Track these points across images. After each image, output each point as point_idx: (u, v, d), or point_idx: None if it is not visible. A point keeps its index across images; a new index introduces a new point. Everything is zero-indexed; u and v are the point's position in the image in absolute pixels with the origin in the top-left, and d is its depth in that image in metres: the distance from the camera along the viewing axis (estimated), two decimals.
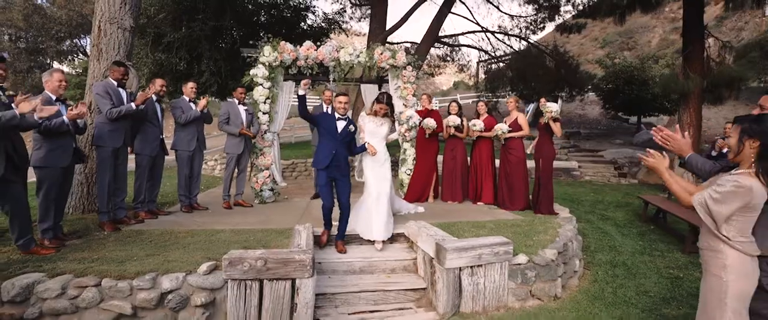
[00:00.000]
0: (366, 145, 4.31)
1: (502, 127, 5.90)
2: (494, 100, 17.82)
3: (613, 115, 20.64)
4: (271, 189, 6.32)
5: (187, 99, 5.39)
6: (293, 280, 3.14)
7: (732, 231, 2.09)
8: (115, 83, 4.51)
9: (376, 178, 4.46)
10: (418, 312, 3.56)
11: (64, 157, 3.80)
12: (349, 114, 4.25)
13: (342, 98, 4.10)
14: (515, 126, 5.97)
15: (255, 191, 6.22)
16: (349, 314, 3.47)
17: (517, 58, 15.74)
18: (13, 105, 3.26)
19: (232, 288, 3.08)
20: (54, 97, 3.77)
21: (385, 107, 4.58)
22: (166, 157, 5.31)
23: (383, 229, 4.27)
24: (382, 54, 6.52)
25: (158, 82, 5.01)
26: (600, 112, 21.59)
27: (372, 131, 4.56)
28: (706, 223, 2.14)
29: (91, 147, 4.71)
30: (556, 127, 5.58)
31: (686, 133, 2.46)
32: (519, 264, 3.70)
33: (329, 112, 7.50)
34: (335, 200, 4.19)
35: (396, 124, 5.93)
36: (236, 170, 5.90)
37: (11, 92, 3.56)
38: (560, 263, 4.01)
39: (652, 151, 2.33)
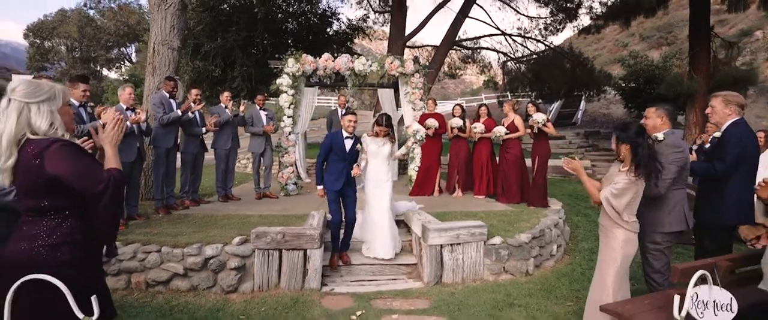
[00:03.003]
0: (354, 167, 4.39)
1: (499, 130, 6.55)
2: (515, 100, 18.26)
3: (638, 114, 20.53)
4: (295, 184, 7.22)
5: (223, 105, 6.35)
6: (305, 251, 3.99)
7: (626, 214, 2.76)
8: (167, 95, 5.51)
9: (375, 199, 4.61)
10: (408, 282, 4.33)
11: (130, 154, 4.80)
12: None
13: (351, 117, 4.31)
14: (512, 127, 6.59)
15: (281, 185, 7.14)
16: (350, 281, 4.28)
17: (535, 60, 16.11)
18: (95, 115, 4.27)
19: (258, 255, 3.97)
20: (125, 107, 4.79)
21: (386, 129, 4.62)
22: (205, 156, 6.28)
23: (389, 248, 4.48)
24: (392, 63, 7.31)
25: (193, 92, 5.89)
26: (624, 111, 21.48)
27: (374, 152, 4.65)
28: (609, 213, 2.80)
29: (149, 147, 5.73)
30: (550, 129, 6.20)
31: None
32: (494, 244, 4.40)
33: (341, 116, 8.40)
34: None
35: (406, 139, 6.43)
36: (263, 167, 6.83)
37: (92, 104, 4.60)
38: (535, 246, 4.67)
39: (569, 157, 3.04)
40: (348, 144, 4.36)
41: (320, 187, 4.44)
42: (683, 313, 1.47)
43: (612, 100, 22.54)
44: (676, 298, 1.51)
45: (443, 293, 3.99)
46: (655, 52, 27.99)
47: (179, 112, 5.44)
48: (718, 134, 3.27)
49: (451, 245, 4.22)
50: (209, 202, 6.27)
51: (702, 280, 2.35)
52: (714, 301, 2.16)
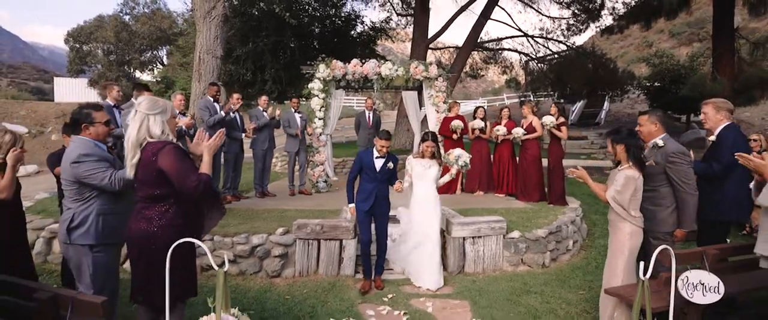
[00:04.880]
0: (396, 183, 4.21)
1: (517, 131, 6.87)
2: (536, 100, 18.43)
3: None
4: (325, 181, 7.71)
5: (261, 108, 6.89)
6: (341, 240, 4.46)
7: (632, 209, 3.09)
8: (212, 99, 6.08)
9: (422, 223, 4.36)
10: None
11: None
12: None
13: (384, 143, 4.12)
14: (530, 129, 6.89)
15: (312, 182, 7.64)
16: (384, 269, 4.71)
17: (557, 60, 16.20)
18: None
19: (299, 244, 4.46)
20: (177, 111, 5.36)
21: (432, 144, 4.36)
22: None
23: (437, 278, 4.24)
24: (416, 68, 7.70)
25: (235, 97, 6.48)
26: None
27: (420, 174, 4.40)
28: (618, 212, 3.14)
29: None
30: (563, 132, 6.49)
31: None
32: (513, 237, 4.77)
33: (368, 118, 8.81)
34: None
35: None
36: (298, 165, 7.36)
37: None
38: (551, 240, 5.01)
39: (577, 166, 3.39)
40: (378, 163, 4.15)
41: (352, 205, 4.27)
42: (647, 276, 1.81)
43: (637, 99, 22.28)
44: (642, 264, 1.85)
45: (465, 281, 4.39)
46: (686, 49, 27.33)
47: (223, 113, 6.00)
48: (713, 138, 3.53)
49: (473, 238, 4.62)
50: (248, 198, 6.82)
51: (696, 266, 2.68)
52: (703, 284, 2.50)
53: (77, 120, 2.53)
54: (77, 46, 31.33)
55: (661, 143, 3.26)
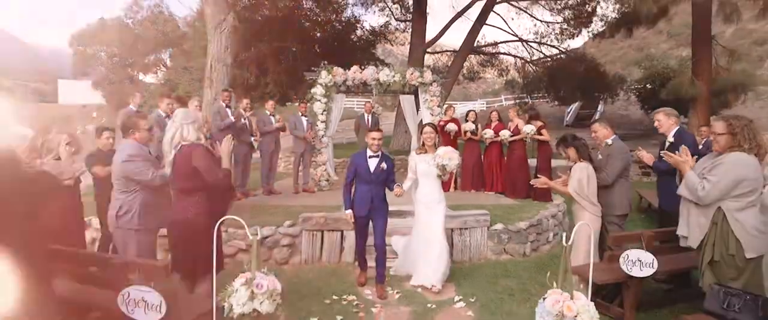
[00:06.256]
0: (394, 187, 4.08)
1: (504, 133, 7.42)
2: (531, 102, 19.04)
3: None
4: (327, 180, 8.24)
5: (268, 113, 7.42)
6: (342, 232, 4.99)
7: (591, 197, 3.64)
8: (224, 104, 6.62)
9: (425, 224, 4.29)
10: None
11: None
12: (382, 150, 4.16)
13: (375, 134, 4.03)
14: (516, 131, 7.44)
15: (314, 181, 8.17)
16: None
17: (550, 64, 16.77)
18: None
19: (305, 235, 5.00)
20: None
21: (431, 131, 4.33)
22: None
23: (439, 276, 4.16)
24: (412, 74, 8.23)
25: (244, 102, 7.02)
26: (641, 112, 21.77)
27: (424, 171, 4.27)
28: (580, 203, 3.69)
29: None
30: (545, 135, 7.05)
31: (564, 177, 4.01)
32: (496, 229, 5.30)
33: (367, 120, 9.33)
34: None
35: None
36: (302, 165, 7.90)
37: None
38: (532, 232, 5.55)
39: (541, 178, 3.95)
40: (372, 164, 4.03)
41: (348, 212, 4.14)
42: (570, 242, 2.34)
43: (629, 101, 22.83)
44: (564, 234, 2.38)
45: (452, 267, 4.90)
46: (685, 50, 27.74)
47: (232, 119, 6.55)
48: (671, 139, 4.05)
49: (460, 229, 5.15)
50: (256, 195, 7.35)
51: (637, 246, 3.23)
52: (640, 260, 3.04)
53: (126, 126, 3.07)
54: (81, 48, 31.85)
55: (610, 142, 3.87)
